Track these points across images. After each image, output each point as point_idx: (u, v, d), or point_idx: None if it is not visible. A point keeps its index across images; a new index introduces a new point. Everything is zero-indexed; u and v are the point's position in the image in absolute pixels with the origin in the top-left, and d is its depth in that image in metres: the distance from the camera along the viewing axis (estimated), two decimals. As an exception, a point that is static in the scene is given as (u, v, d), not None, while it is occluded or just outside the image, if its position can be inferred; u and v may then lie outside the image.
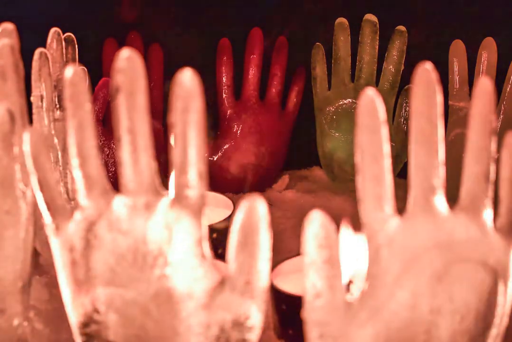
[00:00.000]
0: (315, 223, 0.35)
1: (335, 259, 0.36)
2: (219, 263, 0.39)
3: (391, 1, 0.88)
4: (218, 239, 0.58)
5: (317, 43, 0.86)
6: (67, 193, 0.62)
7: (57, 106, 0.62)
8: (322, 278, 0.36)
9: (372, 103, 0.36)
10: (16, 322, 0.44)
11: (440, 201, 0.38)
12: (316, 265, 0.36)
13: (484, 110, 0.39)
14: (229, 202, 0.69)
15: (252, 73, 0.85)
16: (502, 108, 0.74)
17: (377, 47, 0.84)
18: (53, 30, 0.60)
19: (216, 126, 0.87)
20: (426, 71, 0.36)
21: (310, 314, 0.37)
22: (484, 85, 0.38)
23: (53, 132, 0.61)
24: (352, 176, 0.89)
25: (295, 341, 0.53)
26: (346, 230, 0.52)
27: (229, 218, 0.63)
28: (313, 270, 0.36)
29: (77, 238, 0.39)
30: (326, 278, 0.36)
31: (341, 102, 0.87)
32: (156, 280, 0.38)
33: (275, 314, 0.55)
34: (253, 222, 0.36)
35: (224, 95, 0.86)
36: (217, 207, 0.69)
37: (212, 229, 0.59)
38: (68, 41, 0.65)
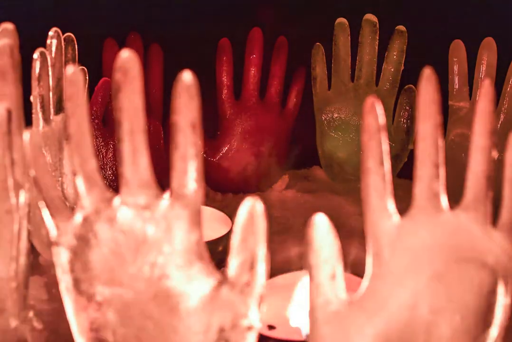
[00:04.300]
0: (317, 225, 0.36)
1: (335, 260, 0.36)
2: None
3: (391, 1, 0.88)
4: (218, 256, 0.56)
5: (317, 43, 0.86)
6: (63, 193, 0.61)
7: (56, 106, 0.62)
8: (323, 278, 0.36)
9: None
10: (15, 322, 0.44)
11: (441, 201, 0.38)
12: (317, 266, 0.36)
13: (489, 112, 0.39)
14: (227, 218, 0.69)
15: (252, 73, 0.85)
16: (503, 108, 0.74)
17: (377, 47, 0.84)
18: (53, 30, 0.60)
19: (216, 126, 0.87)
20: (430, 76, 0.37)
21: (311, 314, 0.37)
22: (488, 87, 0.39)
23: (51, 132, 0.61)
24: (352, 176, 0.90)
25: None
26: None
27: (227, 235, 0.63)
28: (314, 270, 0.36)
29: (76, 237, 0.39)
30: (327, 278, 0.36)
31: (341, 102, 0.87)
32: (156, 280, 0.38)
33: None
34: (252, 224, 0.36)
35: (224, 95, 0.85)
36: (215, 224, 0.69)
37: (210, 245, 0.58)
38: (68, 41, 0.65)
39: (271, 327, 0.52)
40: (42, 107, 0.59)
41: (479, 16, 0.85)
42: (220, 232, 0.65)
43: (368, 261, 0.38)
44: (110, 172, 0.79)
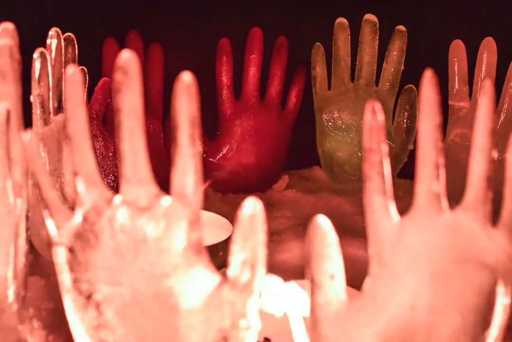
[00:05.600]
0: (317, 225, 0.36)
1: (336, 260, 0.36)
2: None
3: (391, 1, 0.88)
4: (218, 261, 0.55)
5: (317, 43, 0.86)
6: (63, 193, 0.61)
7: (56, 106, 0.62)
8: (323, 279, 0.36)
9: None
10: (14, 322, 0.44)
11: (441, 201, 0.38)
12: (317, 266, 0.36)
13: (489, 112, 0.39)
14: (228, 223, 0.69)
15: (252, 73, 0.85)
16: (503, 108, 0.74)
17: (377, 47, 0.84)
18: (53, 30, 0.60)
19: (216, 126, 0.87)
20: (431, 78, 0.37)
21: (312, 315, 0.37)
22: (489, 88, 0.39)
23: (51, 132, 0.60)
24: (352, 176, 0.90)
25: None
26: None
27: (228, 240, 0.63)
28: (315, 271, 0.36)
29: (76, 237, 0.39)
30: (327, 279, 0.36)
31: (341, 102, 0.87)
32: (156, 279, 0.38)
33: None
34: (252, 224, 0.36)
35: (224, 95, 0.86)
36: (216, 229, 0.69)
37: (211, 250, 0.57)
38: (68, 41, 0.65)
39: (266, 340, 0.52)
40: (42, 107, 0.59)
41: (479, 16, 0.85)
42: (221, 237, 0.65)
43: (370, 261, 0.38)
44: (110, 172, 0.79)
